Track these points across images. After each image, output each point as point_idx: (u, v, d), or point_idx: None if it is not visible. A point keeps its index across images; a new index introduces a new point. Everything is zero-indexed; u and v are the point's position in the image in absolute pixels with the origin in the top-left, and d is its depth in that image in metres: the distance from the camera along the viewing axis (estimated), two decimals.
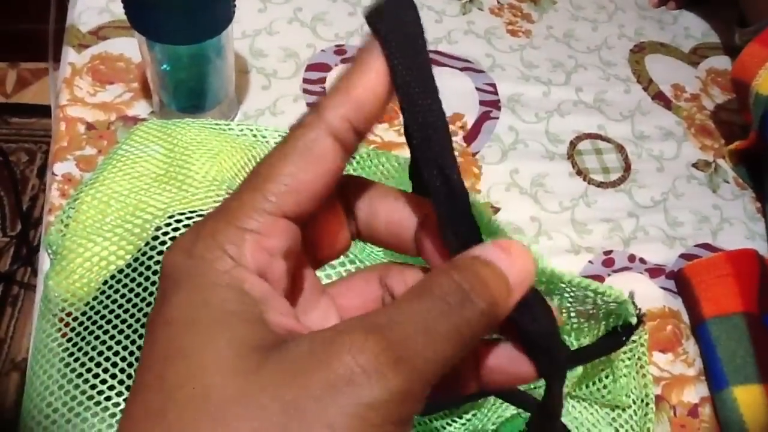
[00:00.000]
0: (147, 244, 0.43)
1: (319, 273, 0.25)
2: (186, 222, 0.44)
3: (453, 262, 0.20)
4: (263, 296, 0.19)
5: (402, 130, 0.64)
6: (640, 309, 0.40)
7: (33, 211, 1.30)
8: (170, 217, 0.44)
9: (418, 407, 0.18)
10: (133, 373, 0.41)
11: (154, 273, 0.42)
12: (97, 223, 0.46)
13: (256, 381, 0.17)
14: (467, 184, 0.62)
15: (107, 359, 0.41)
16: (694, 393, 0.55)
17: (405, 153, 0.63)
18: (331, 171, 0.20)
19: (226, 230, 0.19)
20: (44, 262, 0.53)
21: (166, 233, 0.43)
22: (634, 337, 0.51)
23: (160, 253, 0.42)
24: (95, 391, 0.41)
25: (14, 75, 1.43)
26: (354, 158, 0.55)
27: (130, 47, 0.64)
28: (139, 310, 0.42)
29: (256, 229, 0.19)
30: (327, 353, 0.17)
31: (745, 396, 0.53)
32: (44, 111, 1.33)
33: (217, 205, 0.45)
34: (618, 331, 0.41)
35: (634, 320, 0.40)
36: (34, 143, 1.36)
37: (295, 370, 0.17)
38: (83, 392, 0.41)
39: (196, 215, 0.44)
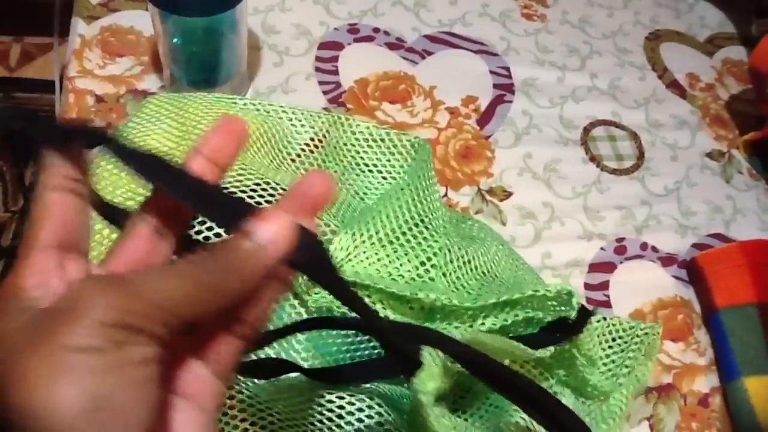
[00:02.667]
0: None
1: None
2: None
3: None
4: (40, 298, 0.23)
5: (413, 111, 0.63)
6: (581, 305, 0.42)
7: (35, 187, 1.29)
8: None
9: (146, 323, 0.22)
10: None
11: None
12: (109, 195, 0.45)
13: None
14: (480, 167, 0.61)
15: None
16: (705, 383, 0.55)
17: (413, 133, 0.62)
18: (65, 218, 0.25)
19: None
20: None
21: None
22: (639, 331, 0.51)
23: None
24: None
25: (18, 49, 1.41)
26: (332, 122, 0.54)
27: (141, 20, 0.63)
28: None
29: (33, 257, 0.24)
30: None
31: (756, 387, 0.52)
32: (48, 86, 1.32)
33: (232, 179, 0.45)
34: (565, 323, 0.43)
35: (573, 314, 0.42)
36: None
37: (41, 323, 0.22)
38: None
39: None
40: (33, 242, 0.24)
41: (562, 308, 0.43)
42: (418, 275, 0.44)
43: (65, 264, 0.24)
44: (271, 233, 0.24)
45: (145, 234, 0.27)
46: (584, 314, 0.42)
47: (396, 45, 0.68)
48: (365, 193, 0.56)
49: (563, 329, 0.42)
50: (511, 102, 0.67)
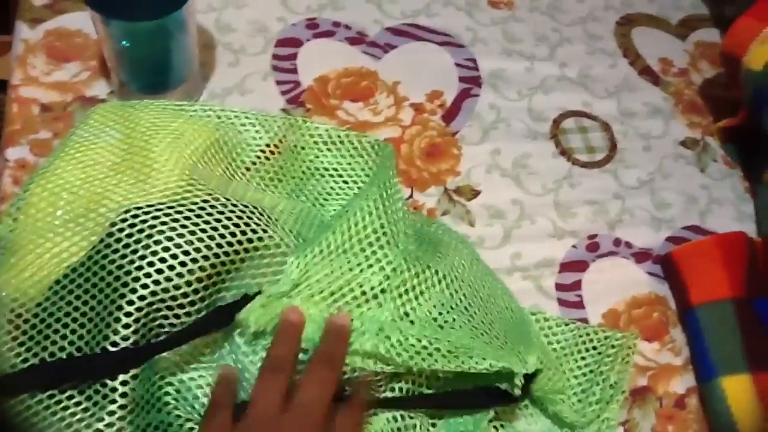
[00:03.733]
0: (101, 240, 0.40)
1: None
2: (143, 217, 0.40)
3: None
4: None
5: (376, 109, 0.61)
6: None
7: None
8: (126, 211, 0.41)
9: None
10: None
11: (109, 273, 0.39)
12: (49, 216, 0.43)
13: None
14: (446, 166, 0.59)
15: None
16: (681, 383, 0.53)
17: (376, 134, 0.60)
18: None
19: None
20: None
21: (121, 229, 0.40)
22: (615, 341, 0.51)
23: (115, 251, 0.39)
24: (46, 395, 0.39)
25: None
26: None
27: (88, 22, 0.60)
28: (92, 310, 0.39)
29: None
30: None
31: (733, 386, 0.51)
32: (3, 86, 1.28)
33: (178, 197, 0.42)
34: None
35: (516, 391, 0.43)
36: None
37: None
38: (34, 397, 0.38)
39: (155, 209, 0.41)
40: None
41: (505, 383, 0.44)
42: (366, 299, 0.43)
43: None
44: None
45: None
46: (526, 385, 0.44)
47: (357, 39, 0.65)
48: (326, 199, 0.54)
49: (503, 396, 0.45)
50: (477, 96, 0.64)
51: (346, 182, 0.53)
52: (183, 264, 0.39)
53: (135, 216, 0.41)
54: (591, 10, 0.74)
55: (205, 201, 0.43)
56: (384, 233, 0.43)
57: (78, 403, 0.39)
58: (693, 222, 0.62)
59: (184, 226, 0.41)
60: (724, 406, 0.50)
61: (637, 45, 0.73)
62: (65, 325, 0.40)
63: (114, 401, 0.39)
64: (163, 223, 0.40)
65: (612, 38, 0.73)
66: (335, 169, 0.53)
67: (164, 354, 0.40)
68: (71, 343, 0.39)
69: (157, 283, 0.39)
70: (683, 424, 0.52)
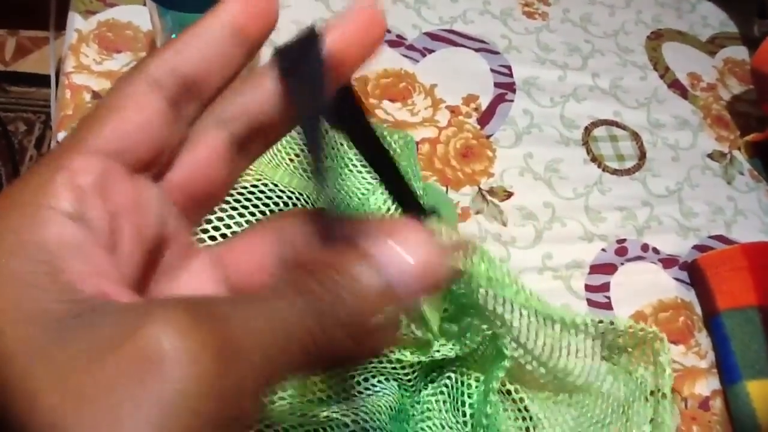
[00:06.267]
0: None
1: None
2: None
3: (326, 257, 0.17)
4: (65, 248, 0.16)
5: (414, 110, 0.63)
6: None
7: None
8: None
9: (245, 415, 0.15)
10: None
11: None
12: None
13: (59, 365, 0.14)
14: (481, 167, 0.61)
15: None
16: (706, 386, 0.54)
17: (413, 133, 0.62)
18: (151, 118, 0.18)
19: (39, 171, 0.17)
20: None
21: None
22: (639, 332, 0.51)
23: None
24: None
25: (13, 43, 1.40)
26: None
27: (139, 15, 0.63)
28: None
29: (68, 165, 0.17)
30: (132, 328, 0.14)
31: (758, 390, 0.52)
32: (44, 80, 1.31)
33: None
34: None
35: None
36: (33, 113, 1.34)
37: (94, 350, 0.14)
38: None
39: None
40: (78, 141, 0.17)
41: None
42: None
43: (118, 188, 0.17)
44: (406, 265, 0.17)
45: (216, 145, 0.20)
46: None
47: (396, 42, 0.67)
48: (363, 194, 0.56)
49: None
50: (512, 101, 0.66)
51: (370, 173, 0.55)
52: None
53: None
54: (622, 24, 0.76)
55: (254, 186, 0.45)
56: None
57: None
58: (719, 232, 0.63)
59: (233, 208, 0.43)
60: (749, 408, 0.51)
61: (667, 59, 0.74)
62: None
63: None
64: None
65: (642, 51, 0.74)
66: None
67: None
68: None
69: None
70: (707, 425, 0.53)
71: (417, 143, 0.60)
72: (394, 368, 0.45)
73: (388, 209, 0.46)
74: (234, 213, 0.42)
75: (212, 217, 0.41)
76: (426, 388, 0.48)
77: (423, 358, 0.44)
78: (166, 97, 0.19)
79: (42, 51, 1.39)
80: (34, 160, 1.31)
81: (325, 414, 0.41)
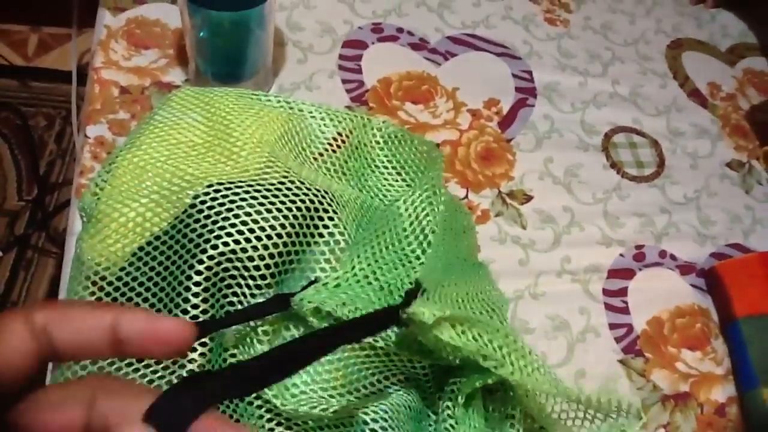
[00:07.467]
0: (184, 212, 0.43)
1: None
2: (224, 192, 0.43)
3: None
4: None
5: (436, 112, 0.63)
6: None
7: (50, 176, 1.29)
8: (209, 186, 0.43)
9: None
10: None
11: (190, 241, 0.41)
12: (133, 188, 0.45)
13: None
14: (501, 170, 0.61)
15: None
16: (722, 392, 0.55)
17: (435, 135, 0.62)
18: (20, 361, 0.21)
19: None
20: (74, 223, 0.52)
21: (203, 202, 0.42)
22: None
23: (197, 221, 0.42)
24: (124, 362, 0.41)
25: (36, 39, 1.42)
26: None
27: (167, 12, 0.64)
28: (174, 278, 0.42)
29: None
30: None
31: None
32: (65, 76, 1.33)
33: (258, 173, 0.45)
34: None
35: None
36: (53, 108, 1.36)
37: None
38: (112, 365, 0.41)
39: (235, 186, 0.44)
40: None
41: None
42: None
43: None
44: None
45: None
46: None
47: (419, 45, 0.68)
48: (385, 195, 0.56)
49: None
50: (533, 106, 0.67)
51: (399, 174, 0.55)
52: (257, 238, 0.42)
53: (216, 191, 0.43)
54: (642, 32, 0.77)
55: (281, 183, 0.45)
56: (423, 251, 0.45)
57: (155, 371, 0.41)
58: (736, 240, 0.63)
59: (261, 204, 0.43)
60: (765, 415, 0.52)
61: (687, 68, 0.75)
62: (147, 289, 0.42)
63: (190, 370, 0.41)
64: (242, 199, 0.43)
65: (662, 60, 0.75)
66: (390, 162, 0.55)
67: (232, 328, 0.42)
68: (152, 305, 0.41)
69: (229, 251, 0.41)
70: (723, 431, 0.53)
71: (438, 145, 0.60)
72: (413, 368, 0.46)
73: (417, 216, 0.45)
74: (261, 208, 0.43)
75: (241, 212, 0.42)
76: (443, 390, 0.48)
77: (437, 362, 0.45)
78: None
79: (63, 48, 1.40)
80: (54, 155, 1.32)
81: (344, 409, 0.41)
